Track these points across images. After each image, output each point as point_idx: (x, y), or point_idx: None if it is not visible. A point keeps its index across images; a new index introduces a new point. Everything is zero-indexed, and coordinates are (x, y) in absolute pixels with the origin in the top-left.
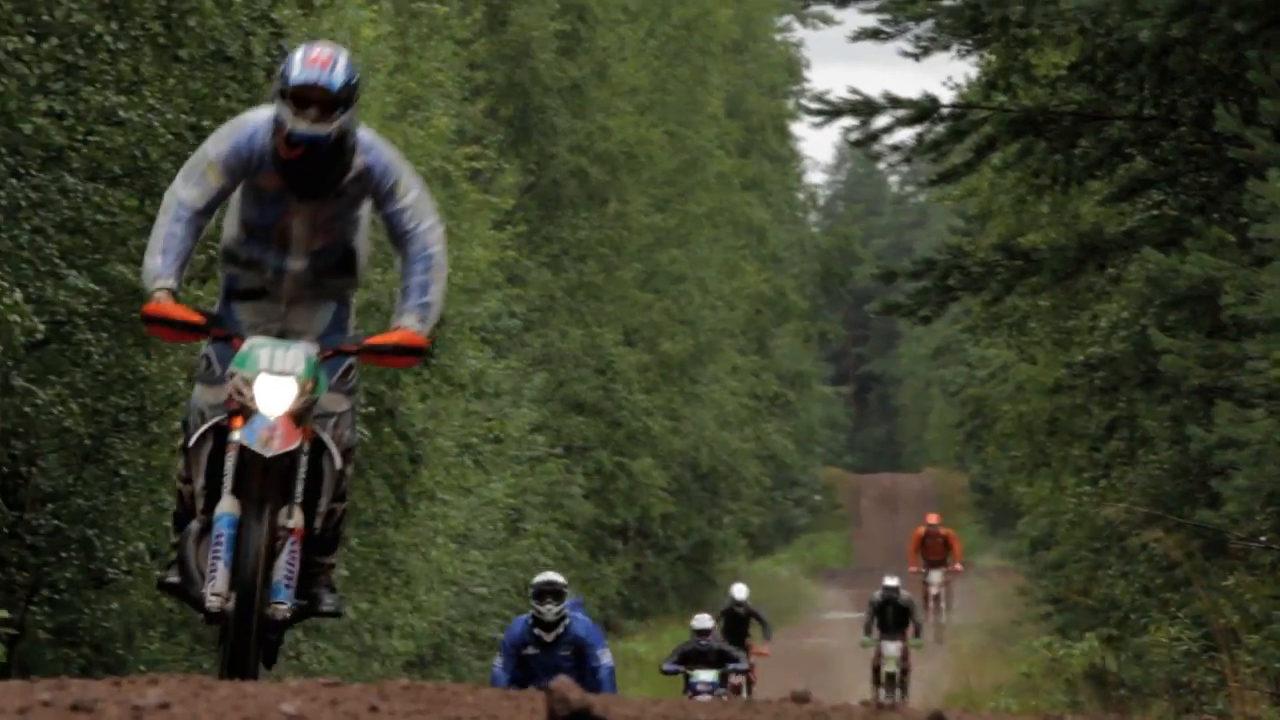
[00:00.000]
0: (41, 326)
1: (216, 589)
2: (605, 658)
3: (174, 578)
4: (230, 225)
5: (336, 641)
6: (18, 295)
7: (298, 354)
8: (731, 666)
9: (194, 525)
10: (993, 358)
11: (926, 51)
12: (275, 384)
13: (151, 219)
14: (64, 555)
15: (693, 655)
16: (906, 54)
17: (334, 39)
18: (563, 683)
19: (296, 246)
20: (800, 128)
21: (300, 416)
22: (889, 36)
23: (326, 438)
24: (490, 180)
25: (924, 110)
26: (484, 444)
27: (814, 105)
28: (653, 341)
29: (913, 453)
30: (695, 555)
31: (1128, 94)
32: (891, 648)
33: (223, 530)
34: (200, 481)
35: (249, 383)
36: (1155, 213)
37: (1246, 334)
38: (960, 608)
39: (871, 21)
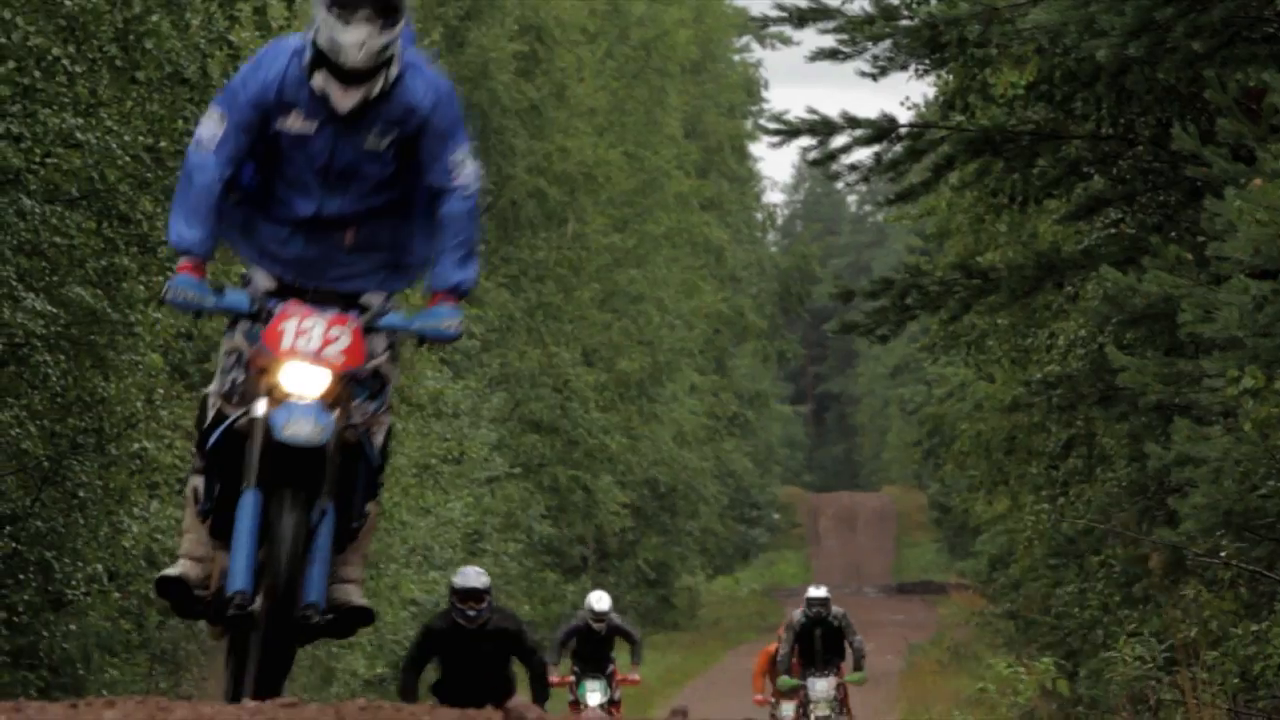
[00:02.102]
0: None
1: None
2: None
3: None
4: None
5: (295, 661)
6: None
7: None
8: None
9: None
10: (951, 376)
11: (884, 72)
12: None
13: (109, 241)
14: (22, 578)
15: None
16: (864, 74)
17: None
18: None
19: None
20: (758, 148)
21: None
22: (847, 57)
23: None
24: None
25: (882, 130)
26: (443, 464)
27: (772, 125)
28: (611, 361)
29: (871, 471)
30: (655, 575)
31: (1085, 113)
32: (821, 686)
33: None
34: None
35: None
36: (1113, 231)
37: (1204, 351)
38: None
39: (829, 42)
